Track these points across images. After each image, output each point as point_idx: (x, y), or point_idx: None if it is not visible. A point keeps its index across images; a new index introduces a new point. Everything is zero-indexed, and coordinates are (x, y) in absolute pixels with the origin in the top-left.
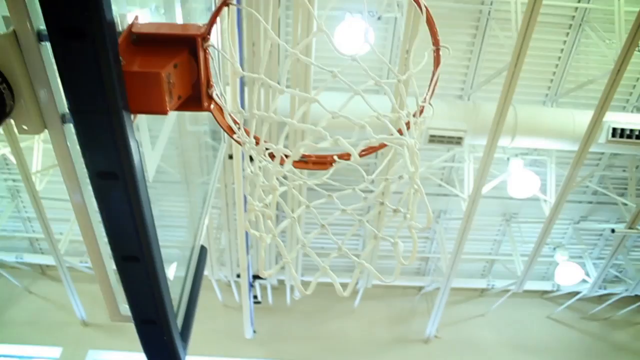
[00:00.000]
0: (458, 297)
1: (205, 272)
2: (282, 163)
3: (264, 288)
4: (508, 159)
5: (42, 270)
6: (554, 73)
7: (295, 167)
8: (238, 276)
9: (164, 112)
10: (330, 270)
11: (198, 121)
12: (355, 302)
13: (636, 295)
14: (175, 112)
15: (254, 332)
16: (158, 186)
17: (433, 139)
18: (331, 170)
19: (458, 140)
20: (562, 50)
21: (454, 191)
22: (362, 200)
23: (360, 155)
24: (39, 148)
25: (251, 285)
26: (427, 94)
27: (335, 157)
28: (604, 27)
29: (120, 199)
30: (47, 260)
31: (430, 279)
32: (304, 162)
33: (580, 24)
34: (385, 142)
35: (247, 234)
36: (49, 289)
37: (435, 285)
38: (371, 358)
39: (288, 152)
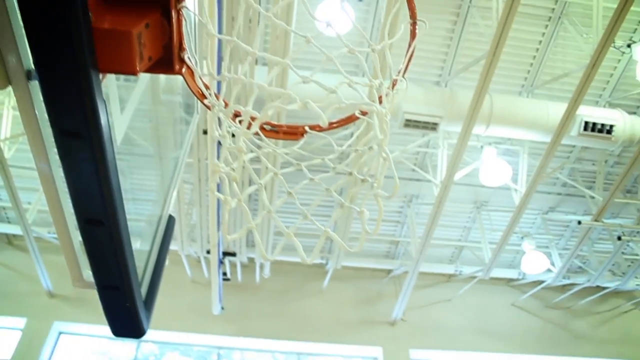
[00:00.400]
0: (426, 281)
1: (175, 248)
2: (249, 127)
3: (233, 265)
4: (482, 147)
5: (9, 240)
6: (531, 64)
7: (266, 136)
8: (208, 252)
9: (134, 73)
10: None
11: (173, 91)
12: (324, 283)
13: (597, 286)
14: (148, 80)
15: (222, 308)
16: (130, 159)
17: (408, 123)
18: (302, 141)
19: (433, 126)
20: (540, 42)
21: (426, 176)
22: (331, 170)
23: (333, 127)
24: (8, 115)
25: (221, 262)
26: (402, 67)
27: (307, 128)
28: (583, 21)
29: (84, 160)
30: (14, 229)
31: (399, 262)
32: (275, 132)
33: (560, 17)
34: (355, 112)
35: (218, 210)
36: (15, 259)
37: (403, 268)
38: (338, 338)
39: (256, 114)
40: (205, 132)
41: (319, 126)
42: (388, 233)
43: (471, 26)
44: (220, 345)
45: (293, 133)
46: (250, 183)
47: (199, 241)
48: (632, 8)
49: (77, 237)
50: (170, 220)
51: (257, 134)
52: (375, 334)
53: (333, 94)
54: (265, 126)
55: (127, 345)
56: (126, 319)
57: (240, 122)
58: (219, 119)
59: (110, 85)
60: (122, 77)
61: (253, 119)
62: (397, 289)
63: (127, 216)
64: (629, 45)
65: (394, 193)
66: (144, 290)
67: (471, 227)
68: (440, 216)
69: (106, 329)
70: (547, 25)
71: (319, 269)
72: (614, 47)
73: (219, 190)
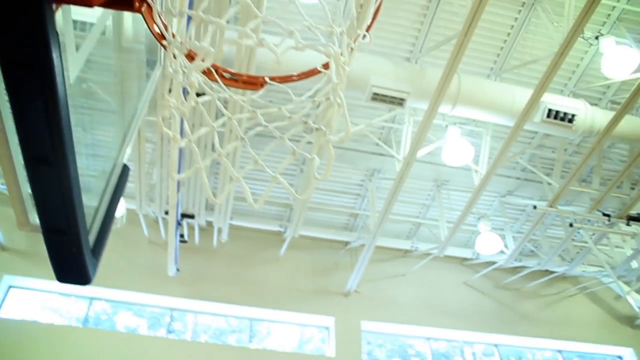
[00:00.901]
0: (382, 255)
1: (133, 207)
2: (209, 76)
3: (191, 228)
4: (446, 126)
5: None
6: (502, 48)
7: (225, 84)
8: (166, 213)
9: (90, 4)
10: (259, 217)
11: (137, 40)
12: (281, 251)
13: (546, 270)
14: (110, 31)
15: (178, 270)
16: (93, 113)
17: (376, 97)
18: (261, 92)
19: (400, 102)
20: (512, 26)
21: (390, 151)
22: (287, 119)
23: (293, 79)
24: None
25: (179, 224)
26: (366, 22)
27: (267, 79)
28: (555, 9)
29: (33, 93)
30: None
31: (357, 235)
32: (234, 81)
33: (533, 4)
34: (318, 67)
35: (179, 170)
36: None
37: (361, 241)
38: (291, 305)
39: (211, 49)
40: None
41: (279, 77)
42: (348, 205)
43: (446, 4)
44: (173, 307)
45: (253, 83)
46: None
47: (157, 201)
48: (602, 1)
49: (24, 179)
50: (125, 169)
51: (215, 80)
52: (329, 304)
53: (290, 34)
54: (224, 74)
55: (79, 302)
56: (71, 265)
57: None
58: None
59: (66, 22)
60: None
61: (217, 68)
62: (353, 261)
63: (84, 171)
64: (597, 38)
65: (346, 138)
66: (92, 237)
67: (430, 205)
68: (401, 192)
69: (58, 285)
70: (520, 11)
71: (276, 237)
72: (583, 38)
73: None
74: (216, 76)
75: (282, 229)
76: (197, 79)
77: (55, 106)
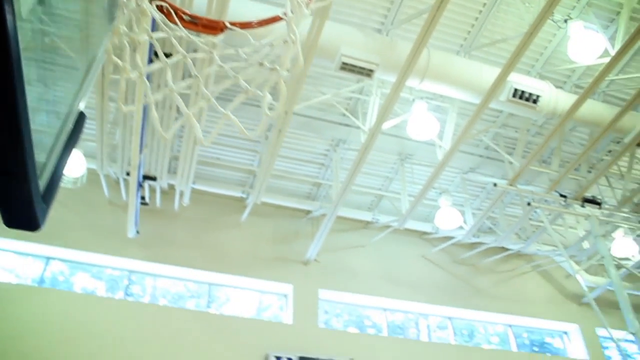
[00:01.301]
0: (343, 225)
1: (94, 167)
2: (168, 17)
3: (152, 190)
4: (413, 100)
5: None
6: (473, 26)
7: (184, 27)
8: (128, 174)
9: None
10: (222, 182)
11: None
12: (242, 217)
13: (502, 247)
14: None
15: (138, 232)
16: (55, 69)
17: (345, 66)
18: (221, 36)
19: (369, 73)
20: (484, 4)
21: (356, 123)
22: (243, 61)
23: (253, 26)
24: None
25: (140, 185)
26: None
27: (227, 23)
28: None
29: None
30: None
31: (319, 204)
32: (194, 24)
33: None
34: (276, 17)
35: (142, 131)
36: None
37: (322, 211)
38: (250, 271)
39: None
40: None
41: (240, 23)
42: (311, 174)
43: None
44: (132, 269)
45: (213, 27)
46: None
47: (119, 162)
48: None
49: None
50: (81, 116)
51: (174, 22)
52: (288, 271)
53: None
54: (184, 17)
55: (35, 262)
56: (20, 209)
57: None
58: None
59: None
60: None
61: (176, 10)
62: (314, 230)
63: (38, 125)
64: (565, 21)
65: (296, 70)
66: (43, 183)
67: (393, 178)
68: (364, 163)
69: (13, 243)
70: None
71: (239, 203)
72: (552, 20)
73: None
74: (175, 18)
75: (244, 195)
76: (156, 17)
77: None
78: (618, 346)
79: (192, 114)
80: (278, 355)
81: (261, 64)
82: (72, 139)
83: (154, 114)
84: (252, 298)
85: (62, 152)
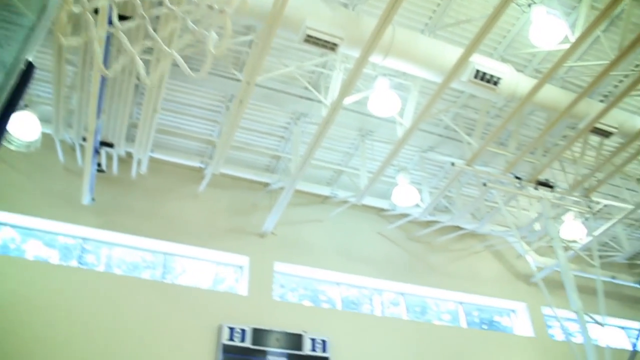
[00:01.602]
0: (301, 199)
1: (49, 131)
2: None
3: (109, 157)
4: (376, 76)
5: None
6: (438, 5)
7: None
8: (84, 140)
9: None
10: (181, 152)
11: None
12: (200, 187)
13: (457, 226)
14: None
15: (93, 200)
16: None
17: (309, 39)
18: None
19: (333, 46)
20: None
21: (318, 96)
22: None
23: None
24: None
25: (97, 152)
26: None
27: None
28: None
29: None
30: None
31: (278, 177)
32: None
33: None
34: None
35: (101, 96)
36: None
37: (281, 184)
38: (207, 242)
39: None
40: (97, 12)
41: None
42: (271, 147)
43: None
44: (87, 237)
45: None
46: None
47: (75, 127)
48: None
49: None
50: (30, 66)
51: None
52: (245, 243)
53: None
54: None
55: None
56: None
57: None
58: None
59: None
60: None
61: None
62: (272, 203)
63: None
64: (529, 5)
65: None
66: None
67: (353, 154)
68: (325, 138)
69: None
70: None
71: (197, 173)
72: (516, 4)
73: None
74: None
75: (203, 166)
76: None
77: None
78: (561, 324)
79: (136, 54)
80: (231, 326)
81: (210, 7)
82: (18, 91)
83: (97, 48)
84: (208, 270)
85: (6, 104)
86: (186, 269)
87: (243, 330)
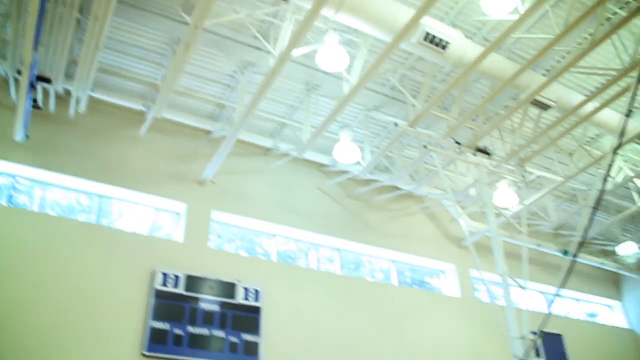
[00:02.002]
0: (243, 150)
1: None
2: None
3: (46, 93)
4: (326, 30)
5: None
6: None
7: None
8: (19, 73)
9: None
10: (123, 93)
11: None
12: (141, 130)
13: (395, 186)
14: None
15: (27, 136)
16: None
17: None
18: None
19: None
20: None
21: (267, 46)
22: None
23: None
24: None
25: (32, 86)
26: None
27: None
28: None
29: None
30: None
31: (221, 126)
32: None
33: None
34: None
35: (38, 27)
36: None
37: (223, 133)
38: (144, 187)
39: None
40: None
41: None
42: (216, 95)
43: None
44: (18, 174)
45: None
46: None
47: (10, 59)
48: None
49: None
50: None
51: None
52: (183, 190)
53: None
54: None
55: None
56: None
57: None
58: None
59: None
60: None
61: None
62: (213, 151)
63: None
64: None
65: None
66: None
67: (298, 107)
68: (270, 89)
69: None
70: None
71: (138, 116)
72: None
73: None
74: None
75: (145, 109)
76: None
77: None
78: (487, 286)
79: None
80: (165, 271)
81: None
82: None
83: None
84: (145, 216)
85: None
86: (123, 213)
87: (176, 277)
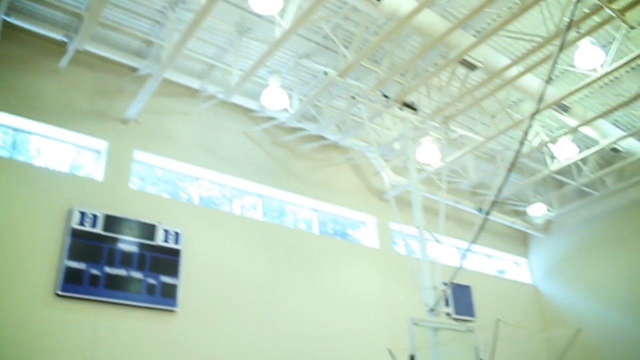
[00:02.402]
0: (169, 89)
1: None
2: None
3: None
4: None
5: None
6: None
7: None
8: None
9: None
10: (43, 21)
11: None
12: (61, 62)
13: (321, 136)
14: None
15: None
16: None
17: None
18: None
19: None
20: None
21: None
22: None
23: None
24: None
25: None
26: None
27: None
28: None
29: None
30: None
31: (148, 63)
32: None
33: None
34: None
35: None
36: None
37: (150, 70)
38: (64, 122)
39: None
40: None
41: None
42: (144, 30)
43: None
44: None
45: None
46: None
47: None
48: None
49: None
50: None
51: None
52: (105, 128)
53: None
54: None
55: None
56: None
57: None
58: None
59: None
60: None
61: None
62: (138, 89)
63: None
64: None
65: None
66: None
67: (228, 49)
68: (201, 28)
69: None
70: None
71: (59, 47)
72: None
73: None
74: None
75: (66, 40)
76: None
77: None
78: (404, 239)
79: None
80: (83, 210)
81: None
82: None
83: None
84: (64, 153)
85: None
86: (41, 150)
87: (95, 216)
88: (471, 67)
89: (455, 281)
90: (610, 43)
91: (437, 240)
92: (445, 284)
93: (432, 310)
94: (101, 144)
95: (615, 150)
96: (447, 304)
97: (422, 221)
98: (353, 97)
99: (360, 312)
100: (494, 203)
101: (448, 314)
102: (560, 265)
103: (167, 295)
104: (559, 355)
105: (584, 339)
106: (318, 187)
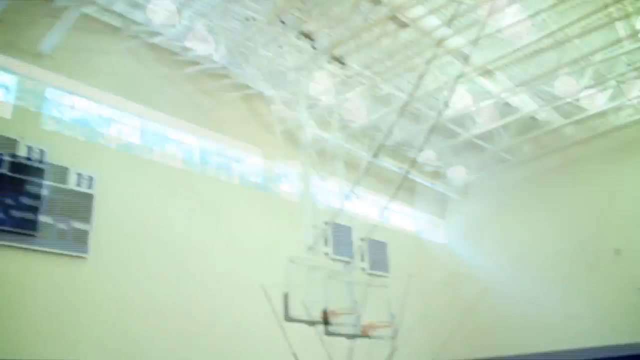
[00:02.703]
0: (89, 25)
1: None
2: None
3: None
4: None
5: None
6: None
7: None
8: None
9: None
10: None
11: None
12: None
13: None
14: None
15: None
16: None
17: None
18: None
19: None
20: None
21: None
22: None
23: None
24: None
25: None
26: None
27: None
28: None
29: None
30: None
31: None
32: None
33: None
34: None
35: None
36: None
37: (67, 2)
38: None
39: None
40: None
41: None
42: None
43: None
44: None
45: None
46: None
47: None
48: None
49: None
50: None
51: None
52: (15, 61)
53: None
54: None
55: None
56: None
57: None
58: None
59: None
60: None
61: None
62: (55, 21)
63: None
64: None
65: None
66: None
67: None
68: None
69: None
70: None
71: None
72: None
73: None
74: None
75: None
76: None
77: None
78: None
79: None
80: None
81: None
82: None
83: None
84: None
85: None
86: None
87: (0, 155)
88: (402, 24)
89: (372, 237)
90: (538, 13)
91: (323, 178)
92: (326, 223)
93: (310, 248)
94: (9, 79)
95: (534, 119)
96: (325, 244)
97: (309, 159)
98: (247, 19)
99: (248, 253)
100: (414, 161)
101: (327, 254)
102: (475, 228)
103: (78, 241)
104: (466, 309)
105: (490, 296)
106: (234, 123)
